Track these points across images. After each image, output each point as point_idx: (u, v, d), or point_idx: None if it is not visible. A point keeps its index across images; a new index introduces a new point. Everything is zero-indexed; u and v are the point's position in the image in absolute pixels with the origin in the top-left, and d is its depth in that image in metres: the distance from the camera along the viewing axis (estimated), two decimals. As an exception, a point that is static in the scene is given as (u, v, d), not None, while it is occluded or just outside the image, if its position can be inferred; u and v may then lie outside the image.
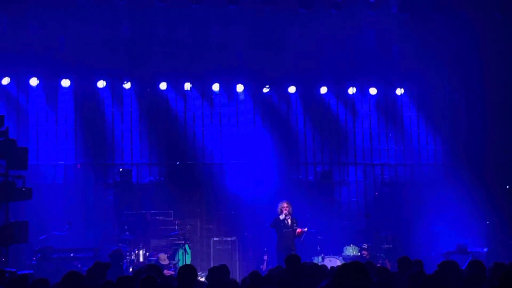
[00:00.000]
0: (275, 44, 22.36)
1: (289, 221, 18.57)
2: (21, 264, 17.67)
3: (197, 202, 22.74)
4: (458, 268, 10.34)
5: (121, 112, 22.36)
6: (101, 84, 21.97)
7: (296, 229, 18.76)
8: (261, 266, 20.23)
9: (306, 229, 19.17)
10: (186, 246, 20.66)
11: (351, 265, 5.96)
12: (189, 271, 9.76)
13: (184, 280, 9.48)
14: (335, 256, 19.98)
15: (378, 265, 16.37)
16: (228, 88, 23.00)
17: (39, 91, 21.69)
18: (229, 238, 21.91)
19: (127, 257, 19.24)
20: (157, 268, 10.83)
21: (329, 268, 13.21)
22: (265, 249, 20.73)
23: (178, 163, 22.69)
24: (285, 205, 18.67)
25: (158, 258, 19.63)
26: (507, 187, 21.71)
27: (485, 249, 20.80)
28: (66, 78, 21.63)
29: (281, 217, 18.52)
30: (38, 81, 21.52)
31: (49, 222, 19.87)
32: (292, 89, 23.29)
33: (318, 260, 19.41)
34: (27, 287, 10.33)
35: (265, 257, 20.77)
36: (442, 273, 9.35)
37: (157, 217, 21.66)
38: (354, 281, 5.69)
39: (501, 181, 22.11)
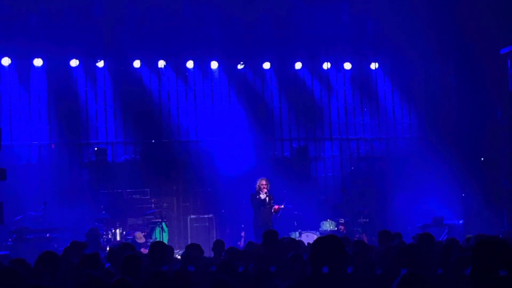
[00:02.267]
0: (249, 20, 22.24)
1: (267, 198, 18.63)
2: (-4, 245, 17.60)
3: (173, 180, 22.71)
4: (433, 240, 10.42)
5: (95, 91, 22.19)
6: (74, 63, 21.75)
7: (273, 206, 18.83)
8: (239, 243, 20.25)
9: (282, 206, 19.24)
10: (163, 224, 20.65)
11: (326, 238, 6.00)
12: (159, 247, 9.74)
13: (155, 256, 9.46)
14: (312, 231, 20.06)
15: (355, 239, 16.48)
16: (202, 65, 22.90)
17: (11, 71, 21.45)
18: (206, 216, 21.91)
19: (104, 236, 19.22)
20: (131, 246, 10.80)
21: (306, 243, 13.30)
22: (243, 226, 20.74)
23: (153, 141, 22.61)
24: (264, 182, 18.72)
25: (134, 237, 19.61)
26: (482, 159, 21.86)
27: (460, 221, 20.99)
28: (38, 57, 21.37)
29: (262, 196, 18.54)
30: (10, 61, 21.27)
31: (25, 202, 19.75)
32: (266, 65, 23.24)
33: (295, 235, 19.47)
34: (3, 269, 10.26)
35: (243, 234, 20.77)
36: (417, 245, 9.41)
37: (133, 196, 21.62)
38: (330, 253, 5.72)
39: (476, 153, 22.25)
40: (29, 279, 7.81)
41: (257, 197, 18.65)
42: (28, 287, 6.48)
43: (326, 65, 23.68)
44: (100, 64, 22.01)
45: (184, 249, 12.09)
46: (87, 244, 12.95)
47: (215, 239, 21.16)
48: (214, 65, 22.82)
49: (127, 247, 10.47)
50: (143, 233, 19.99)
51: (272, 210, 18.82)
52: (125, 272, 8.18)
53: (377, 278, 6.86)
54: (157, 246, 9.84)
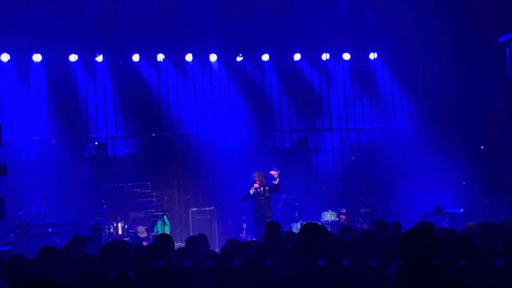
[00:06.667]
0: (247, 13, 22.21)
1: (262, 189, 18.43)
2: (-2, 241, 17.67)
3: (174, 173, 22.76)
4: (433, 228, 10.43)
5: (94, 86, 22.24)
6: (73, 58, 21.80)
7: (269, 196, 18.49)
8: (240, 235, 20.29)
9: (279, 171, 18.78)
10: (165, 217, 20.67)
11: (310, 225, 6.13)
12: (165, 240, 9.77)
13: (149, 253, 9.46)
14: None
15: (357, 228, 16.50)
16: (201, 58, 22.92)
17: (11, 67, 21.51)
18: (207, 208, 21.93)
19: (106, 230, 19.24)
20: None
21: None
22: (244, 218, 20.71)
23: (153, 134, 22.64)
24: (257, 177, 18.42)
25: (136, 231, 19.64)
26: (482, 147, 21.85)
27: (461, 210, 20.98)
28: (37, 52, 21.42)
29: (251, 191, 18.36)
30: (9, 57, 21.34)
31: (26, 198, 19.80)
32: (265, 57, 23.24)
33: (296, 226, 19.51)
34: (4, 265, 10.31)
35: (244, 226, 20.77)
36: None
37: (135, 190, 21.67)
38: (315, 240, 5.85)
39: (476, 141, 22.24)
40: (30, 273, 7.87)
41: (248, 189, 18.51)
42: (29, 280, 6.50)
43: (325, 56, 23.68)
44: (99, 58, 22.03)
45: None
46: (89, 238, 13.01)
47: (217, 231, 21.33)
48: (213, 57, 22.84)
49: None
50: (145, 227, 20.02)
51: (274, 181, 18.50)
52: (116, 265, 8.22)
53: (373, 269, 6.88)
54: (161, 239, 9.84)
